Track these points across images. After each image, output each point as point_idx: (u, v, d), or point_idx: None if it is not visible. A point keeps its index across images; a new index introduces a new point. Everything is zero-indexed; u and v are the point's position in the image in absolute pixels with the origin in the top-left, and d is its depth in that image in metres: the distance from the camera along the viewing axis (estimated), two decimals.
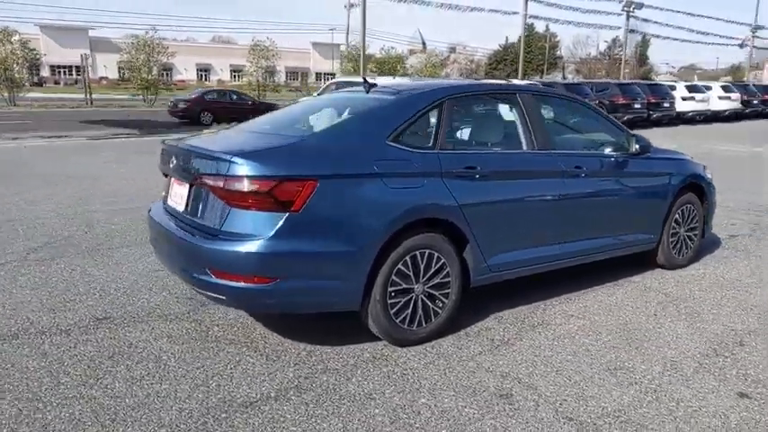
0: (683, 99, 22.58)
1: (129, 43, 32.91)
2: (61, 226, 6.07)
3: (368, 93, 4.02)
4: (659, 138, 19.04)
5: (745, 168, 11.66)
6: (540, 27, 78.47)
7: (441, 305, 3.41)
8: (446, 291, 3.42)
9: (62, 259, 4.98)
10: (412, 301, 3.29)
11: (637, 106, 20.35)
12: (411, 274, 3.26)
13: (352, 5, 60.05)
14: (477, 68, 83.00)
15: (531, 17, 28.66)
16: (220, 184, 2.97)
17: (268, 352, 3.27)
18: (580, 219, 4.05)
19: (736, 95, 24.64)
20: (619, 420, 2.62)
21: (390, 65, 40.88)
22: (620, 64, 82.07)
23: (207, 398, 2.77)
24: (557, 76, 69.22)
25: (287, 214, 2.90)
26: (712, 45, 52.08)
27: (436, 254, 3.33)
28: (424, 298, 3.34)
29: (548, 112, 4.09)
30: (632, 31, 35.35)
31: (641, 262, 4.82)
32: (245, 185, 2.89)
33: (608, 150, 4.25)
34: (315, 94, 16.77)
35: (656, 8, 34.94)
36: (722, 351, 3.35)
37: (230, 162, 2.94)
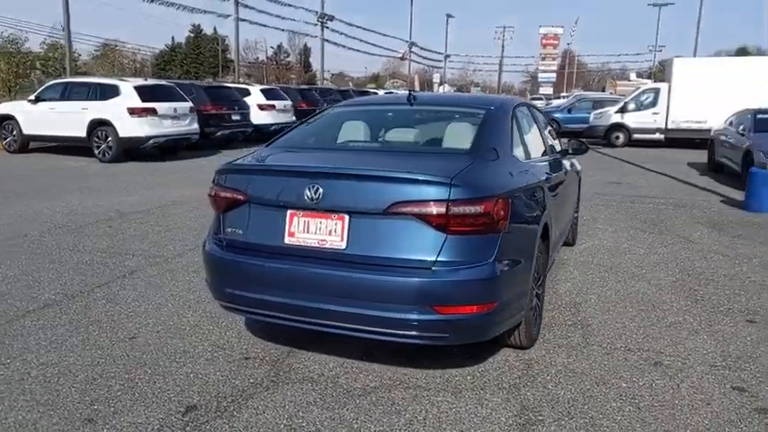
0: None
1: None
2: None
3: (411, 106, 3.95)
4: None
5: None
6: (208, 29, 77.93)
7: (540, 303, 3.70)
8: (542, 289, 3.72)
9: None
10: (535, 304, 3.51)
11: None
12: (539, 277, 3.47)
13: None
14: (143, 68, 77.38)
15: (242, 20, 28.39)
16: (440, 210, 2.65)
17: (436, 388, 3.04)
18: (567, 209, 4.82)
19: None
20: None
21: (58, 61, 34.74)
22: (286, 69, 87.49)
23: None
24: (228, 79, 69.90)
25: (501, 234, 2.80)
26: (380, 57, 60.65)
27: (542, 256, 3.60)
28: (537, 299, 3.59)
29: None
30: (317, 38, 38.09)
31: None
32: (473, 209, 2.68)
33: (564, 150, 5.10)
34: (32, 96, 13.50)
35: (344, 22, 38.87)
36: (700, 295, 4.54)
37: (451, 185, 2.67)
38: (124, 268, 5.08)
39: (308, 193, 2.83)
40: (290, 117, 18.49)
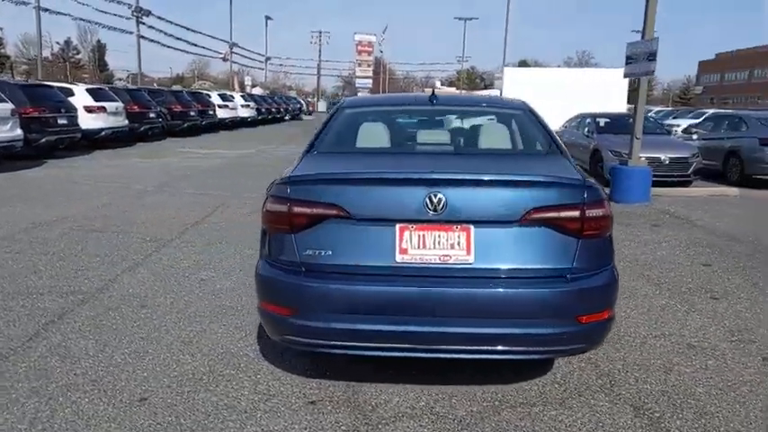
0: (220, 107, 24.40)
1: None
2: None
3: (433, 105, 3.71)
4: (225, 141, 20.30)
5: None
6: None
7: None
8: None
9: None
10: None
11: (192, 113, 20.82)
12: None
13: None
14: None
15: (44, 10, 23.91)
16: (577, 213, 2.49)
17: (540, 401, 2.89)
18: None
19: (253, 104, 28.52)
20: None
21: None
22: (77, 67, 77.96)
23: None
24: (4, 77, 60.18)
25: (611, 237, 2.74)
26: (195, 56, 57.03)
27: None
28: None
29: None
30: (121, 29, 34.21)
31: None
32: (600, 211, 2.58)
33: None
34: None
35: (163, 19, 35.43)
36: (656, 279, 5.01)
37: (585, 187, 2.55)
38: (45, 312, 3.99)
39: (429, 203, 2.47)
40: (122, 121, 16.45)
